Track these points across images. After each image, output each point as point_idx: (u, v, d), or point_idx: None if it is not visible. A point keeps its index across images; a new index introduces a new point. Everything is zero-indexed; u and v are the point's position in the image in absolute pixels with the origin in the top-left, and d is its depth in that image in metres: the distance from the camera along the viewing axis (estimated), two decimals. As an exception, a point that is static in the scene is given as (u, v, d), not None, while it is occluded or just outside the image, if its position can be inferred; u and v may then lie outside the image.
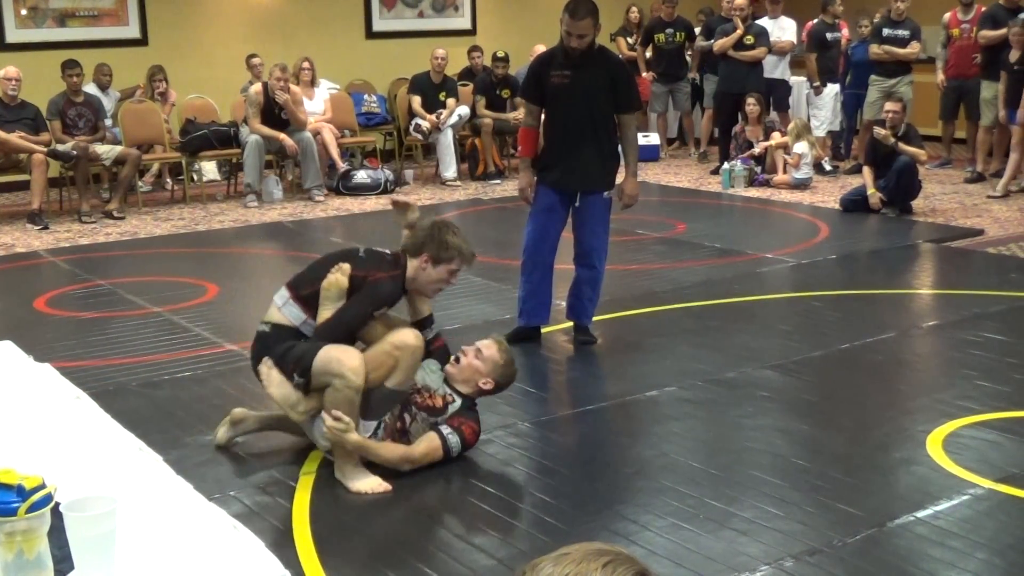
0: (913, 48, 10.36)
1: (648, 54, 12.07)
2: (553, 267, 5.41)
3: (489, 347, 4.00)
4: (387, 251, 4.08)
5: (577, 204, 5.28)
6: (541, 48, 11.39)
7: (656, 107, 12.14)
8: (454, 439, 3.86)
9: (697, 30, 11.87)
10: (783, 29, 11.03)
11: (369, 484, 3.73)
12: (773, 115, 10.91)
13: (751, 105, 10.39)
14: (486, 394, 4.02)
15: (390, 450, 3.82)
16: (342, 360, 3.71)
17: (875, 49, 10.44)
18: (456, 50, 11.49)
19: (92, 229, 8.63)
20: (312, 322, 3.89)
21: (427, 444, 3.84)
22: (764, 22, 10.87)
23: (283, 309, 3.94)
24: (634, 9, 12.45)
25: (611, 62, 5.26)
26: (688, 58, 12.04)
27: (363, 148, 10.87)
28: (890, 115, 8.69)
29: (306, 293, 3.92)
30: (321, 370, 3.74)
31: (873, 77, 10.52)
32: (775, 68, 10.93)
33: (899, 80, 10.37)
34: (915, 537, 3.36)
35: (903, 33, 10.36)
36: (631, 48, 12.22)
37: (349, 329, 3.88)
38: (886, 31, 10.42)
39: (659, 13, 11.95)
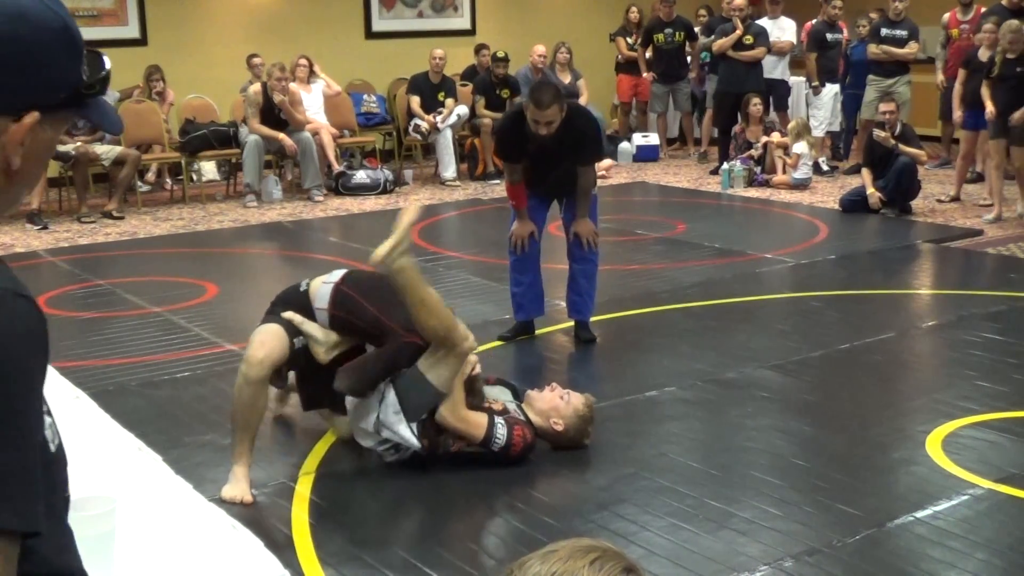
0: (911, 48, 10.36)
1: (648, 54, 12.07)
2: (539, 259, 5.48)
3: (578, 397, 4.03)
4: None
5: (564, 202, 5.41)
6: (541, 48, 11.46)
7: (656, 107, 12.13)
8: (502, 430, 3.80)
9: (697, 29, 11.87)
10: (783, 29, 11.04)
11: (233, 492, 3.53)
12: (772, 115, 10.92)
13: (756, 106, 10.39)
14: (551, 435, 3.98)
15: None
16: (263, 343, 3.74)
17: (873, 49, 10.44)
18: (455, 50, 11.49)
19: (91, 229, 8.63)
20: (322, 308, 3.85)
21: (476, 416, 3.81)
22: (764, 22, 10.88)
23: (322, 287, 3.91)
24: (634, 9, 12.44)
25: (579, 121, 5.17)
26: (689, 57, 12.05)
27: (362, 148, 10.87)
28: (887, 116, 8.70)
29: (346, 294, 3.88)
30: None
31: (871, 77, 10.52)
32: (775, 68, 10.94)
33: (897, 80, 10.37)
34: (915, 537, 3.36)
35: (901, 33, 10.36)
36: (631, 48, 12.20)
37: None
38: (884, 31, 10.42)
39: (658, 13, 11.94)
